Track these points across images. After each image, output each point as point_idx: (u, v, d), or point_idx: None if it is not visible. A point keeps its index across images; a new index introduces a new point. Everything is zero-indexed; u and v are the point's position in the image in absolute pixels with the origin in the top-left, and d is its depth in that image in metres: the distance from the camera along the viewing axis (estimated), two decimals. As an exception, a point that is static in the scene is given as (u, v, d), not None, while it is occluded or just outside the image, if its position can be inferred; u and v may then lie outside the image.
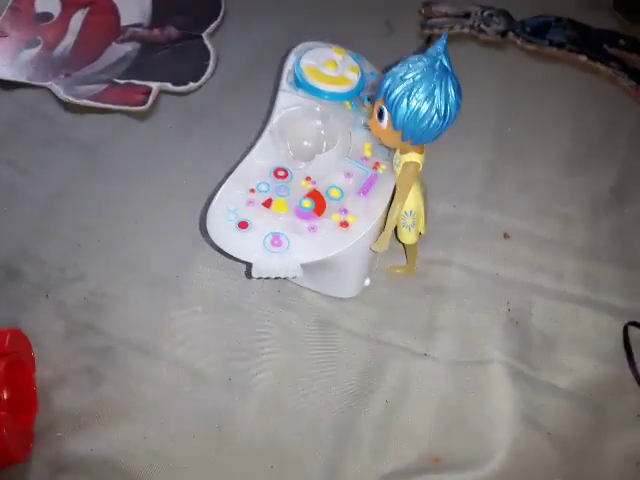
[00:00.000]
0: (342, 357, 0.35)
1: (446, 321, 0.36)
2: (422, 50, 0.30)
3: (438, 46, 0.29)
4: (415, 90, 0.28)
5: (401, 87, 0.29)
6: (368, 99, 0.37)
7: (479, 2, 0.52)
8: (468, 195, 0.42)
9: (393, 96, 0.29)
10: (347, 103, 0.37)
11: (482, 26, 0.50)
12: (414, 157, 0.31)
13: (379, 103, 0.30)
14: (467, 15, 0.51)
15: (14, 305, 0.36)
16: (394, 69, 0.29)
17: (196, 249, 0.38)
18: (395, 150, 0.33)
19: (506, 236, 0.38)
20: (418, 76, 0.28)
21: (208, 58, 0.49)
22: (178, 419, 0.33)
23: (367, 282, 0.37)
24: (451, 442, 0.32)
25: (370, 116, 0.32)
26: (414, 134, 0.30)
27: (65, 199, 0.41)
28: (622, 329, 0.36)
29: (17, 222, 0.40)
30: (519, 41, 0.49)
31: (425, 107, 0.28)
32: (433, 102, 0.28)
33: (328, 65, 0.37)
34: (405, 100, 0.29)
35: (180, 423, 0.32)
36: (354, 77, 0.37)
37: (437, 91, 0.28)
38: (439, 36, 0.30)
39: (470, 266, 0.38)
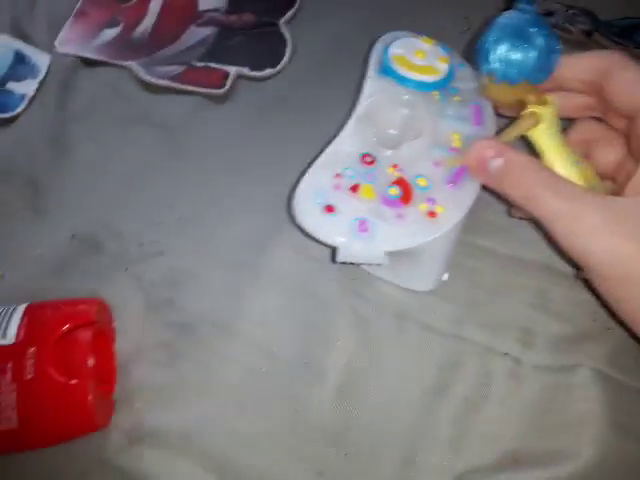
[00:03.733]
0: (418, 352, 0.34)
1: (526, 322, 0.35)
2: None
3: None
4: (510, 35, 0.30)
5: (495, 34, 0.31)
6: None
7: (561, 0, 0.51)
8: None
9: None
10: (435, 93, 0.36)
11: (567, 25, 0.48)
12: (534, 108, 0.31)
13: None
14: (550, 14, 0.50)
15: (94, 276, 0.37)
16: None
17: (274, 234, 0.38)
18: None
19: None
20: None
21: (285, 45, 0.49)
22: (256, 400, 0.32)
23: (445, 277, 0.36)
24: (532, 443, 0.31)
25: (483, 85, 0.33)
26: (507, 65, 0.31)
27: (145, 177, 0.41)
28: None
29: (98, 197, 0.40)
30: (605, 42, 0.47)
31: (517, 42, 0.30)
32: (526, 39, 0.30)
33: (417, 54, 0.36)
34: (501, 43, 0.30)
35: (258, 404, 0.32)
36: (443, 67, 0.36)
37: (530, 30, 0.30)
38: None
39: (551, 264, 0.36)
